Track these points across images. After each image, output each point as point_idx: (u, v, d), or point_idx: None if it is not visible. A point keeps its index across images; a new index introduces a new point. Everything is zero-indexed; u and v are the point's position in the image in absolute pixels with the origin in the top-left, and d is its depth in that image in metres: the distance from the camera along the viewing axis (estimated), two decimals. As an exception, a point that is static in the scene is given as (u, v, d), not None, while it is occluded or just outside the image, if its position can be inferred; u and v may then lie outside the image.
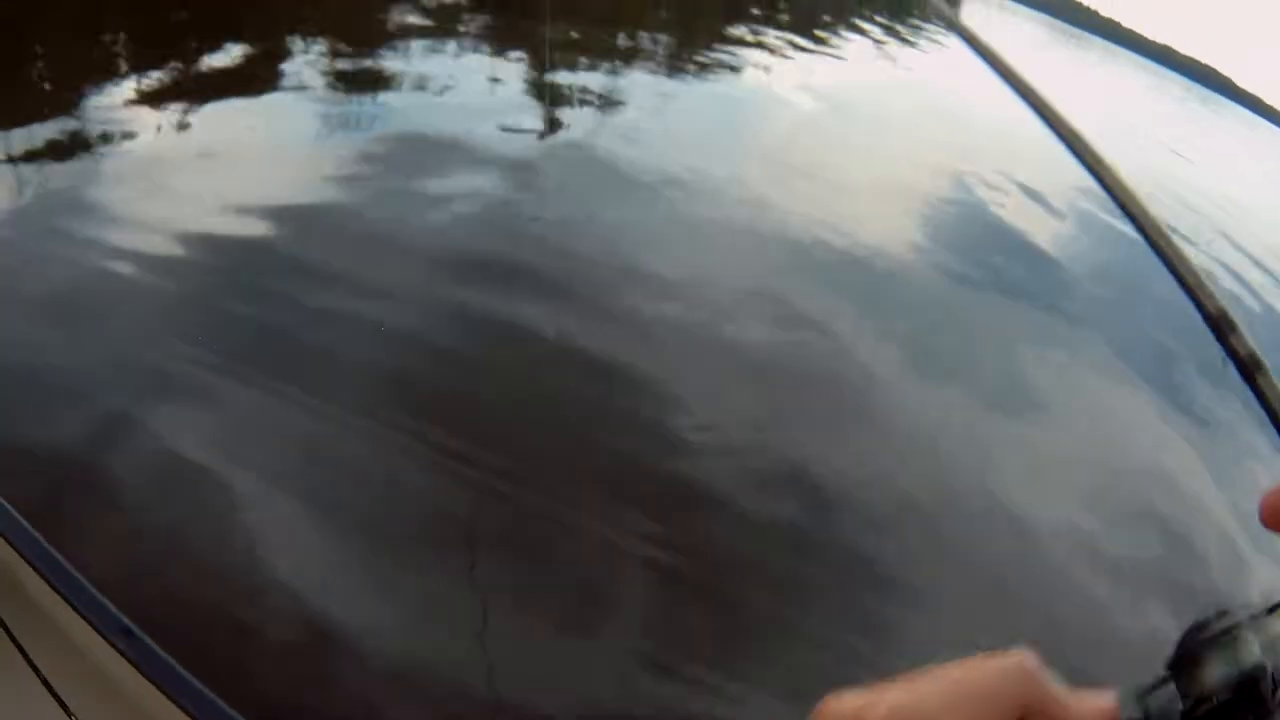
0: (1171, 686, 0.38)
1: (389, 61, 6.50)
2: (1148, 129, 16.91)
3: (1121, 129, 15.35)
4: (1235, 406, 4.72)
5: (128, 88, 4.81)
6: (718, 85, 8.65)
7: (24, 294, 3.04)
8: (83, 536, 2.14)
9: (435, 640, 2.23)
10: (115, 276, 3.23)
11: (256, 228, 3.75)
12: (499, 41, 7.76)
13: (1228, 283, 7.37)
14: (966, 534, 3.19)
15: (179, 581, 2.12)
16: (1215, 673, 0.38)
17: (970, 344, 4.71)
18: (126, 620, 1.27)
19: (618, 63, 8.44)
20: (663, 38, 10.42)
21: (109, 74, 5.01)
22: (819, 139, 7.79)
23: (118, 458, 2.48)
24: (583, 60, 7.91)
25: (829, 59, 11.59)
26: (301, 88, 5.43)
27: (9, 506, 1.39)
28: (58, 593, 1.30)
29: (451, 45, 7.31)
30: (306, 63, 5.97)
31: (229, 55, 5.67)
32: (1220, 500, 3.96)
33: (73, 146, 4.10)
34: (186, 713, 1.21)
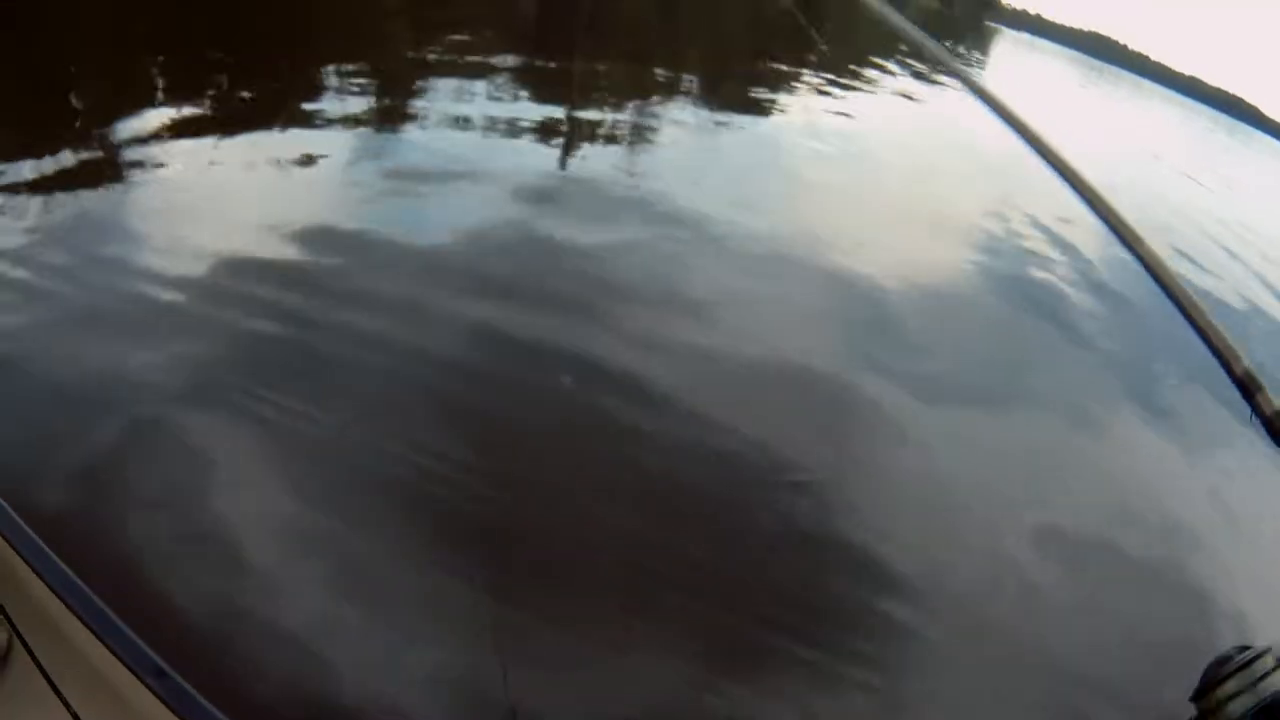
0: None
1: (417, 95, 6.61)
2: (1172, 160, 16.82)
3: (1146, 161, 15.30)
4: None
5: (160, 119, 4.91)
6: (746, 123, 8.69)
7: (61, 318, 3.11)
8: (113, 571, 2.16)
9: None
10: (149, 299, 3.31)
11: (284, 250, 3.87)
12: (528, 78, 7.86)
13: (1238, 306, 7.38)
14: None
15: (209, 621, 2.14)
16: (1236, 704, 0.38)
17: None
18: (159, 660, 1.28)
19: (646, 100, 8.50)
20: (691, 76, 10.50)
21: (143, 105, 5.11)
22: (848, 177, 7.81)
23: (147, 477, 2.52)
24: (610, 99, 7.98)
25: (859, 97, 11.63)
26: (331, 121, 5.52)
27: (41, 544, 1.41)
28: (91, 631, 1.32)
29: (480, 80, 7.39)
30: (335, 97, 6.07)
31: (259, 89, 5.79)
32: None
33: (107, 174, 4.19)
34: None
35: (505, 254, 4.37)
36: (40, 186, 3.94)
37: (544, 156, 5.89)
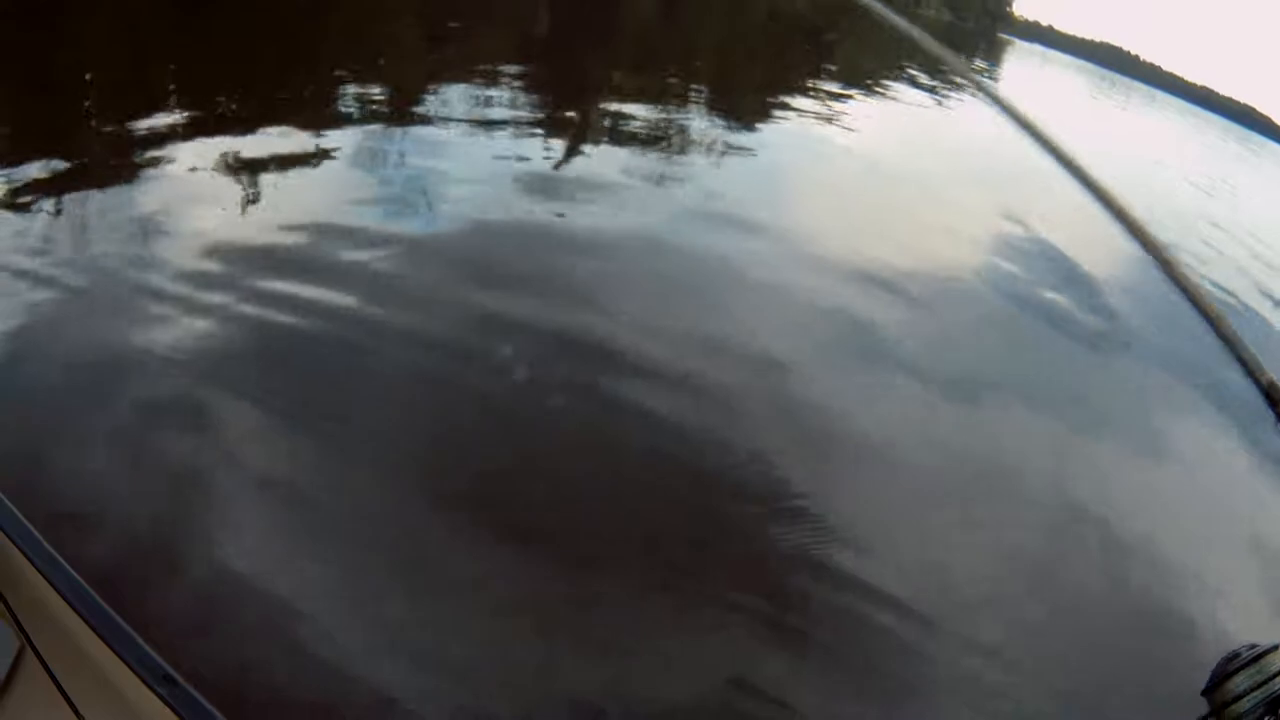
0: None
1: (424, 98, 6.65)
2: (1184, 169, 16.80)
3: (1156, 170, 15.29)
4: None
5: (170, 120, 4.98)
6: (758, 130, 8.69)
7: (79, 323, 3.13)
8: (123, 578, 2.16)
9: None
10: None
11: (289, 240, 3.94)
12: (539, 87, 7.88)
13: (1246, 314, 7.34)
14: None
15: (219, 627, 2.13)
16: (1247, 699, 0.38)
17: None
18: (169, 667, 1.27)
19: (655, 106, 8.51)
20: (701, 84, 10.51)
21: (153, 107, 5.17)
22: (858, 182, 7.79)
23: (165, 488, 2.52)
24: (624, 110, 7.99)
25: (870, 105, 11.63)
26: (339, 121, 5.56)
27: (52, 550, 1.40)
28: (96, 633, 1.31)
29: (491, 89, 7.42)
30: (350, 106, 6.10)
31: (274, 99, 5.82)
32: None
33: (118, 172, 4.27)
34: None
35: (519, 250, 4.43)
36: (53, 184, 4.00)
37: (547, 156, 5.94)
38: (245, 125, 5.18)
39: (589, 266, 4.44)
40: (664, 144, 7.13)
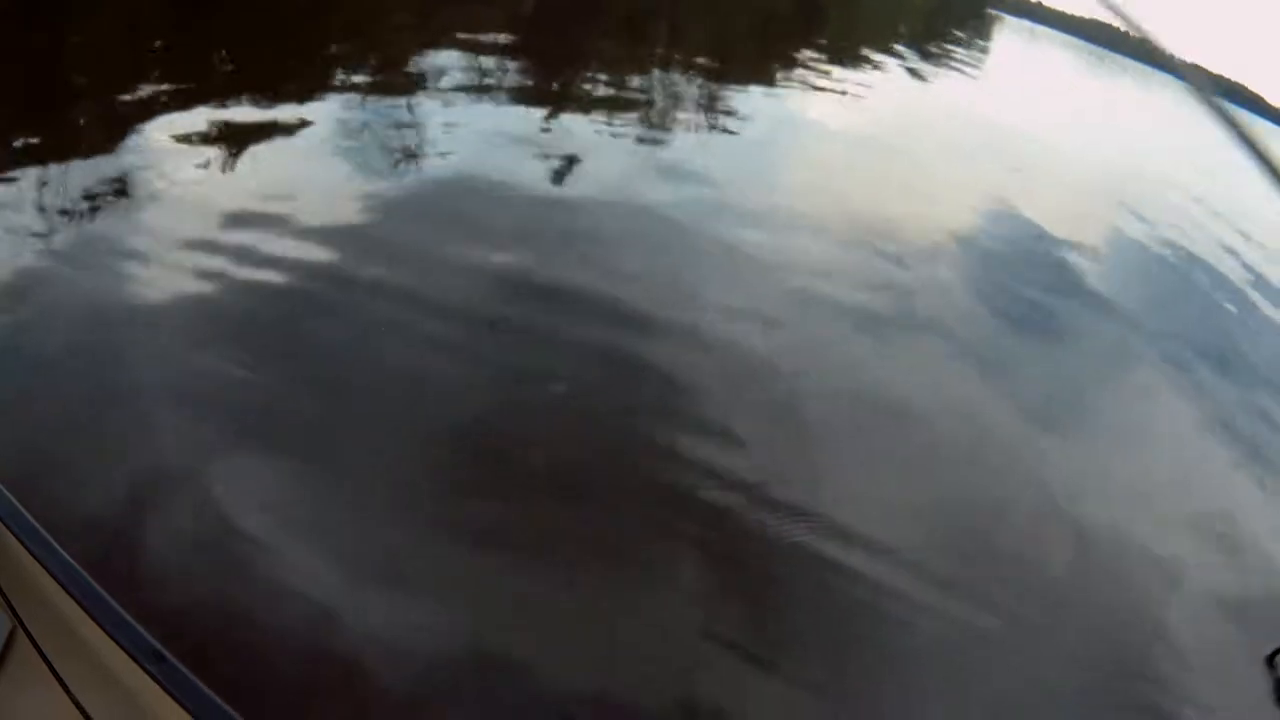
0: None
1: (414, 73, 6.59)
2: (1171, 144, 16.83)
3: (1143, 145, 15.32)
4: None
5: (162, 97, 4.95)
6: (753, 103, 8.65)
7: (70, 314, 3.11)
8: (113, 556, 2.16)
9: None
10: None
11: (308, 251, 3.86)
12: (534, 76, 7.83)
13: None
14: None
15: (210, 604, 2.14)
16: None
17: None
18: (157, 644, 1.27)
19: (647, 79, 8.47)
20: (697, 58, 10.45)
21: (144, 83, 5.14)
22: (855, 155, 7.79)
23: (160, 478, 2.52)
24: (616, 91, 7.94)
25: (868, 85, 11.60)
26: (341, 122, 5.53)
27: (40, 528, 1.40)
28: (85, 610, 1.31)
29: (488, 77, 7.37)
30: (345, 101, 6.06)
31: (271, 97, 5.79)
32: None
33: (111, 150, 4.24)
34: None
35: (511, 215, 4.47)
36: (47, 160, 3.98)
37: (546, 149, 5.89)
38: (233, 95, 5.17)
39: (573, 228, 4.52)
40: (649, 114, 7.11)
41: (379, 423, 2.92)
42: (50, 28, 5.63)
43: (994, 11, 44.91)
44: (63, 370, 2.79)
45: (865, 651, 2.59)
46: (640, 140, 6.34)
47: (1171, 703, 2.77)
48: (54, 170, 3.90)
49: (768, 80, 9.89)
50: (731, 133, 7.42)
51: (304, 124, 5.03)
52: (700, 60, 10.27)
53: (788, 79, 10.26)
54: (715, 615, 2.52)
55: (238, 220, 3.82)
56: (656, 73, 9.13)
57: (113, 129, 4.51)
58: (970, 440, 3.80)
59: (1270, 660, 2.84)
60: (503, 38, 8.38)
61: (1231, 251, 8.99)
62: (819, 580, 2.76)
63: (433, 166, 4.90)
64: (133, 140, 4.41)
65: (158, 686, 1.25)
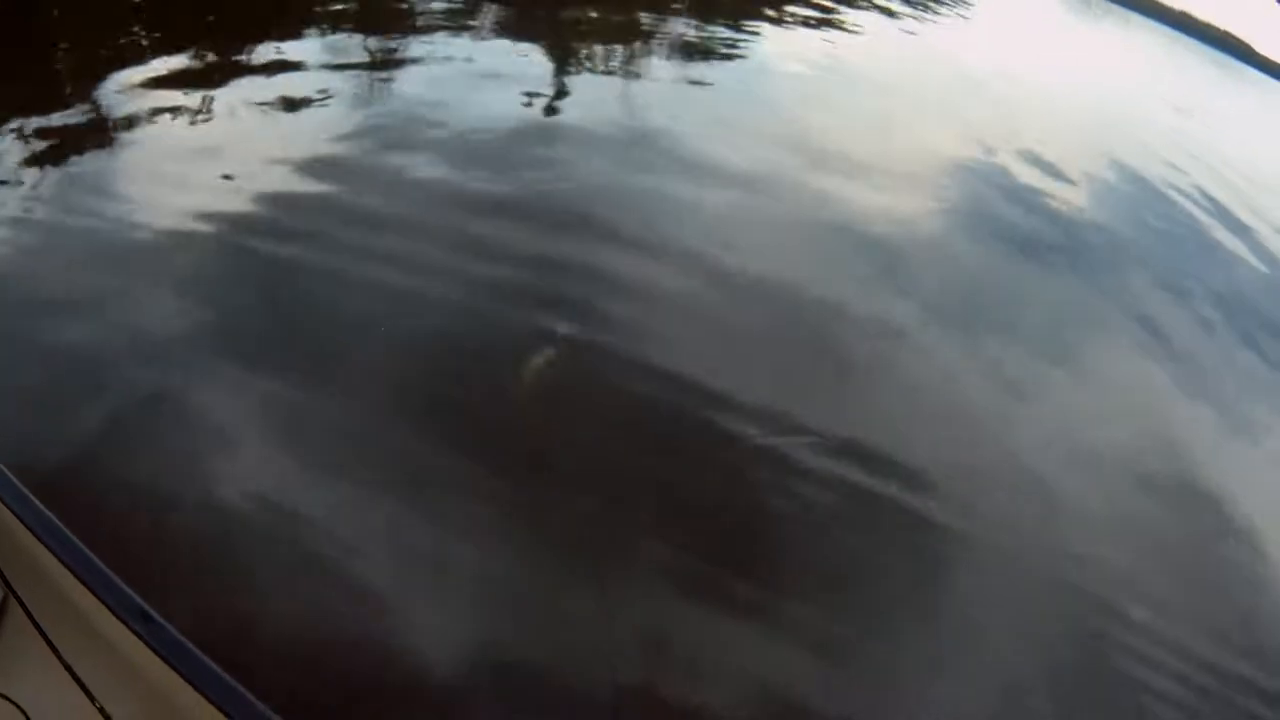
0: None
1: (407, 45, 6.50)
2: (1157, 91, 16.75)
3: (1128, 90, 15.24)
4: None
5: (150, 72, 4.84)
6: (736, 60, 8.56)
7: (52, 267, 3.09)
8: (99, 517, 2.16)
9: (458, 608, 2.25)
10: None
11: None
12: (516, 24, 7.71)
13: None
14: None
15: (198, 566, 2.15)
16: None
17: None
18: (144, 604, 1.28)
19: (628, 36, 8.37)
20: (678, 15, 10.32)
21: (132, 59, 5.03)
22: (838, 104, 7.74)
23: (142, 435, 2.52)
24: (592, 38, 7.85)
25: (847, 31, 11.48)
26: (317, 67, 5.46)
27: (27, 492, 1.40)
28: (75, 575, 1.32)
29: (470, 26, 7.27)
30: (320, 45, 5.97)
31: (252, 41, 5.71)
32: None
33: (102, 125, 4.18)
34: (207, 697, 1.23)
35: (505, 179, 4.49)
36: (40, 138, 3.93)
37: (525, 95, 5.83)
38: (222, 70, 5.07)
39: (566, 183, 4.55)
40: (637, 74, 7.04)
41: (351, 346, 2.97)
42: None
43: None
44: (48, 338, 2.78)
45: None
46: (628, 94, 6.29)
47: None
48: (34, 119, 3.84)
49: (750, 30, 9.76)
50: (705, 85, 7.40)
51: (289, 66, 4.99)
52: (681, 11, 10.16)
53: (767, 28, 10.12)
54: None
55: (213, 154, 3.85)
56: (644, 13, 9.03)
57: (88, 77, 4.47)
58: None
59: None
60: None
61: (1201, 188, 9.02)
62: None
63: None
64: (110, 85, 4.41)
65: (146, 648, 1.26)
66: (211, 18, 6.05)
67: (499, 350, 3.27)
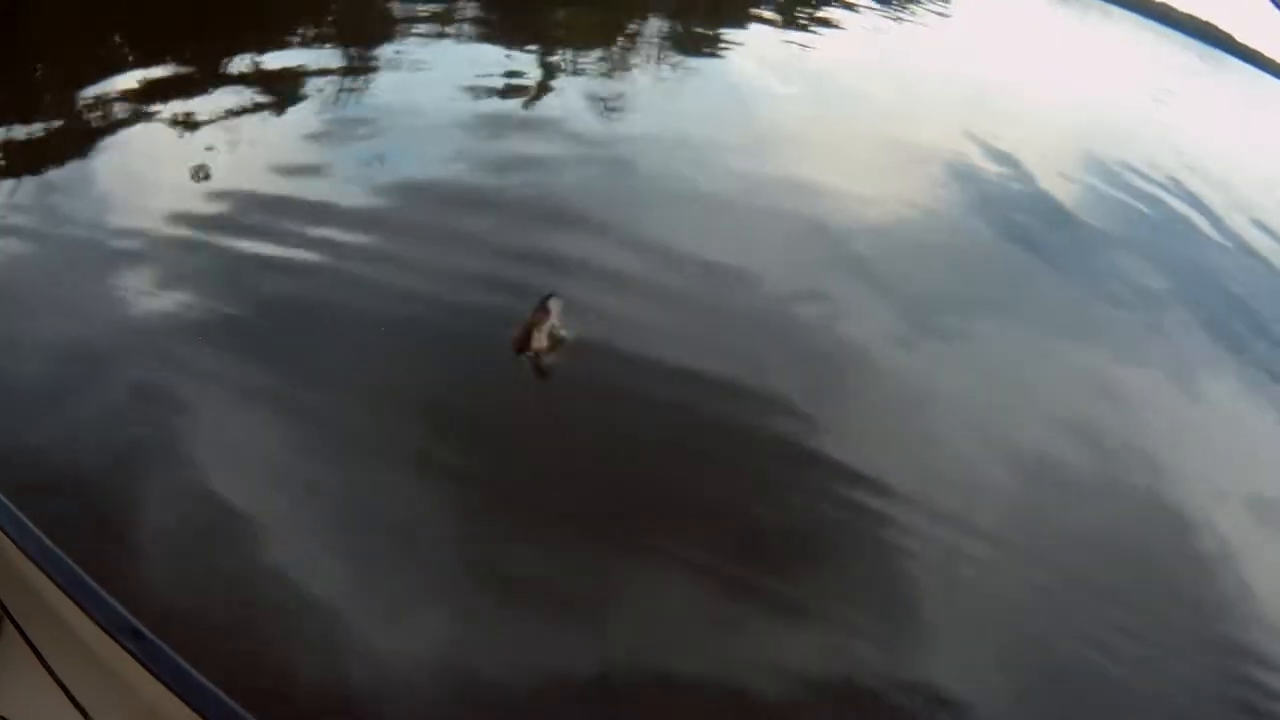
0: None
1: (376, 44, 6.51)
2: (1138, 82, 16.85)
3: (1108, 82, 15.30)
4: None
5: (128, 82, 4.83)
6: (719, 65, 8.57)
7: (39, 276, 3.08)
8: (90, 535, 2.16)
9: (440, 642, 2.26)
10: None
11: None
12: (495, 28, 7.72)
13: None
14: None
15: (189, 582, 2.14)
16: None
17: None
18: (136, 621, 1.28)
19: (607, 42, 8.38)
20: (658, 20, 10.32)
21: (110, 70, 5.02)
22: (816, 107, 7.75)
23: (131, 450, 2.51)
24: (570, 43, 7.87)
25: (822, 31, 11.50)
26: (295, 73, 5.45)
27: (17, 512, 1.40)
28: (66, 594, 1.32)
29: (450, 31, 7.27)
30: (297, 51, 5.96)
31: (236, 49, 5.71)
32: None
33: (79, 135, 4.20)
34: (201, 715, 1.23)
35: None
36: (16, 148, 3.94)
37: (506, 96, 5.87)
38: (201, 82, 5.06)
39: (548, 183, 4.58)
40: (617, 74, 7.06)
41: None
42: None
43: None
44: (39, 357, 2.77)
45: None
46: (612, 101, 6.30)
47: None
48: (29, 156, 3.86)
49: (728, 36, 9.77)
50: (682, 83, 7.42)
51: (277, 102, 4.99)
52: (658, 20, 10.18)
53: (751, 28, 10.14)
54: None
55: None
56: (623, 23, 9.03)
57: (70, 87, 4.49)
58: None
59: None
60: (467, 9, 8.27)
61: (1176, 180, 9.06)
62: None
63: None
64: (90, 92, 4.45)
65: (140, 665, 1.26)
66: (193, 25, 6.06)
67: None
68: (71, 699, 1.27)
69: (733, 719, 2.27)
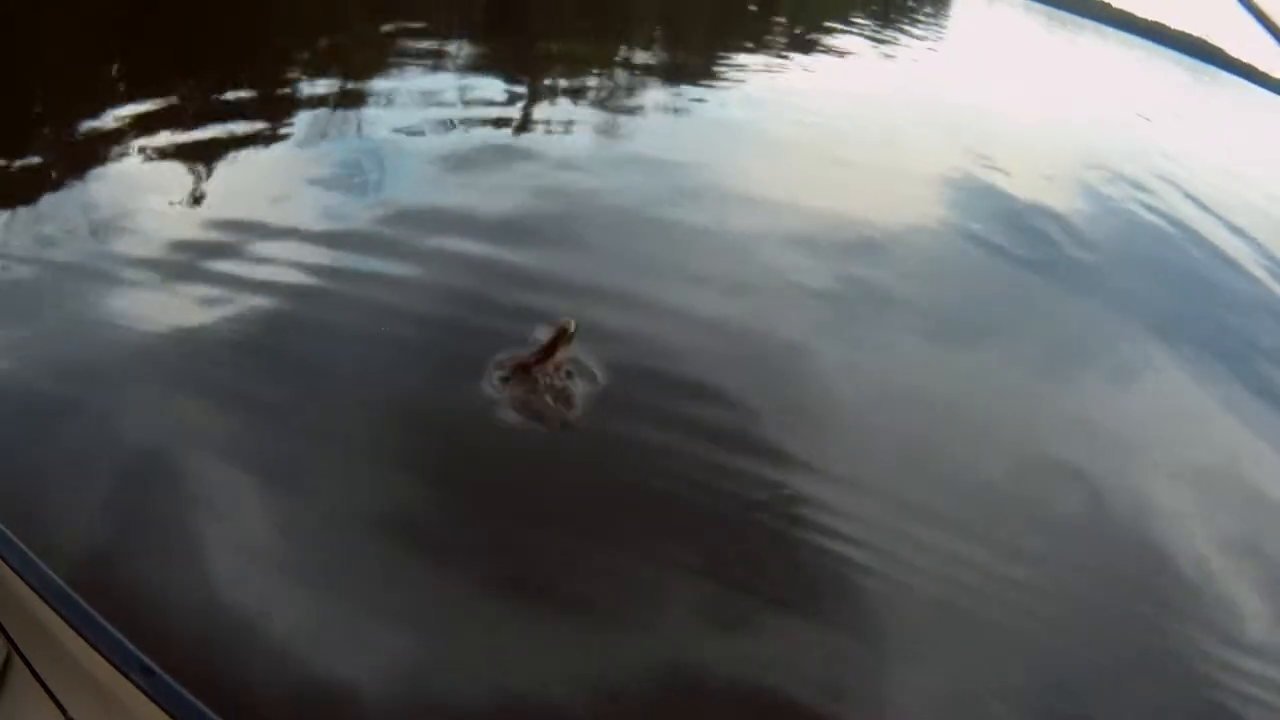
0: None
1: (374, 76, 6.57)
2: (1132, 100, 16.97)
3: (1103, 101, 15.42)
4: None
5: (125, 114, 4.85)
6: (712, 94, 8.62)
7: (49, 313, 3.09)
8: (95, 568, 2.16)
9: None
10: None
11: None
12: (490, 62, 7.78)
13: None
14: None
15: (196, 617, 2.13)
16: None
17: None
18: (145, 658, 1.28)
19: (607, 73, 8.45)
20: (654, 50, 10.42)
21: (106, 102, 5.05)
22: (817, 135, 7.79)
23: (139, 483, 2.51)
24: (569, 75, 7.94)
25: (821, 59, 11.61)
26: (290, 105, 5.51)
27: (25, 548, 1.40)
28: (76, 630, 1.32)
29: (445, 63, 7.33)
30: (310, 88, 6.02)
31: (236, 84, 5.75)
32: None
33: (76, 165, 4.18)
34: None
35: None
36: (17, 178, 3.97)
37: (498, 126, 5.93)
38: (194, 111, 5.11)
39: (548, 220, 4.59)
40: (615, 104, 7.12)
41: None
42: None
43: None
44: (37, 395, 2.77)
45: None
46: (606, 136, 6.35)
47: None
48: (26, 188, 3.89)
49: (728, 63, 9.85)
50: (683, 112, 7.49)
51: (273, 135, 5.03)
52: (659, 44, 10.29)
53: (745, 59, 10.22)
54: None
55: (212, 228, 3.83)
56: (617, 60, 9.11)
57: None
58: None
59: None
60: (463, 38, 8.34)
61: (1173, 194, 9.09)
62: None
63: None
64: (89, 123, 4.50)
65: (149, 700, 1.26)
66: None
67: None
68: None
69: None
